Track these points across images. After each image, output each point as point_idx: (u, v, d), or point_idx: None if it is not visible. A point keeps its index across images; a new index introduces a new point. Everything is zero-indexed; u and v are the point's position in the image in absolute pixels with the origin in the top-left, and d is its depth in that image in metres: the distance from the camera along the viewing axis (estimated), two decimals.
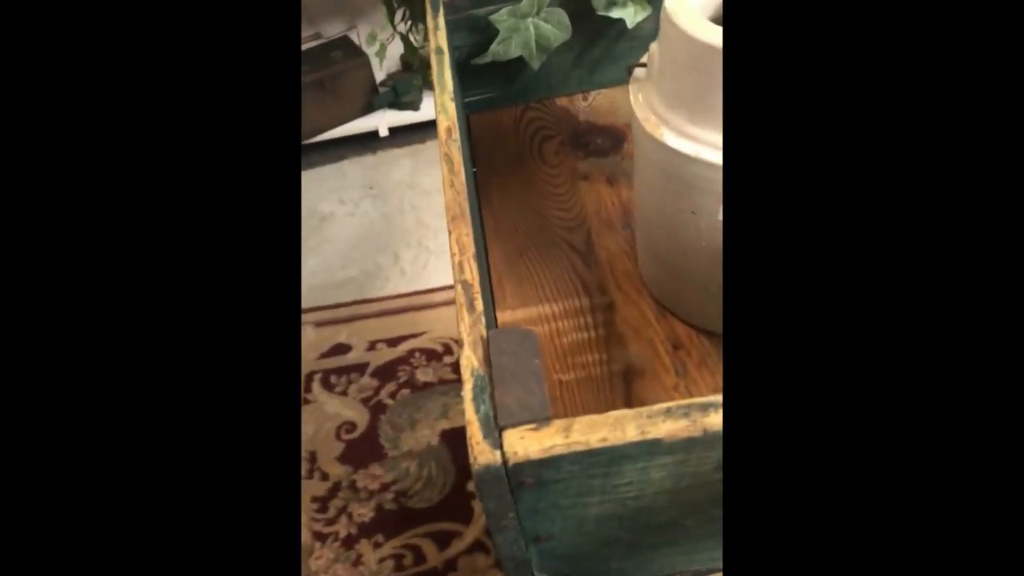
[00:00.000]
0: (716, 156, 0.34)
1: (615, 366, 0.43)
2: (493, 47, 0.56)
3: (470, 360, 0.31)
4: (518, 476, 0.28)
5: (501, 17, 0.54)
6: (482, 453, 0.28)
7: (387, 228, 1.59)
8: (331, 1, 1.66)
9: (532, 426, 0.28)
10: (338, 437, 1.21)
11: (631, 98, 0.39)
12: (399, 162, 1.74)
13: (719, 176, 0.35)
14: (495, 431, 0.28)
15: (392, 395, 1.21)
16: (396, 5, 0.83)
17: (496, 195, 0.56)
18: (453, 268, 0.36)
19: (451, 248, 0.37)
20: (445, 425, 1.13)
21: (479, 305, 0.33)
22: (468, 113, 0.64)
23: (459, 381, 0.31)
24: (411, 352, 1.28)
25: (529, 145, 0.60)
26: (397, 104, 1.64)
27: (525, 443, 0.28)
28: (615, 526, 0.33)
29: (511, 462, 0.28)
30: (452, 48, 0.59)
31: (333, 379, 1.32)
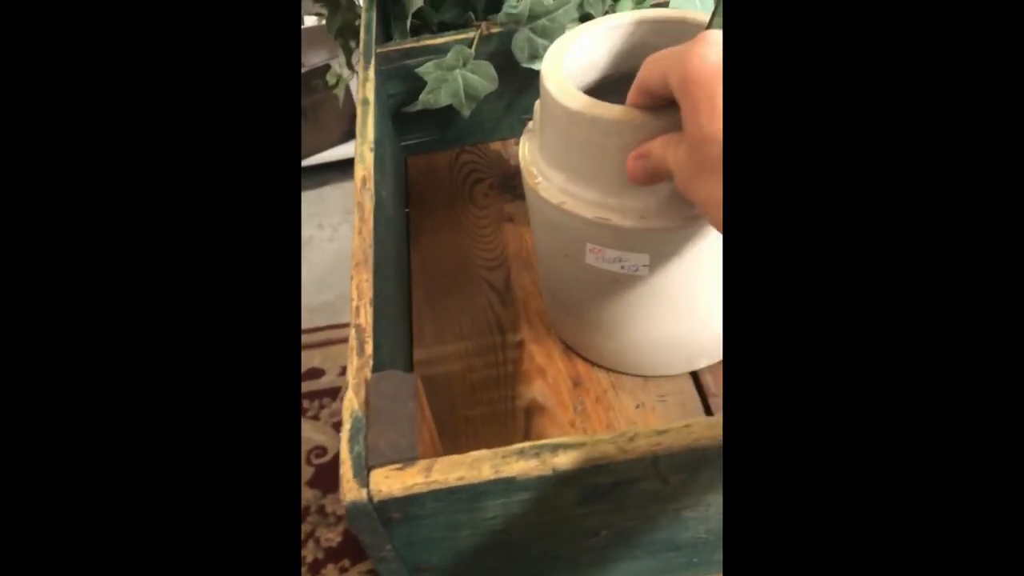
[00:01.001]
0: (580, 207, 0.38)
1: (519, 402, 0.46)
2: (423, 96, 0.59)
3: (351, 402, 0.34)
4: (385, 512, 0.31)
5: (427, 70, 0.58)
6: (350, 491, 0.30)
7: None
8: (314, 31, 1.70)
9: (398, 466, 0.31)
10: (308, 461, 1.23)
11: (520, 150, 0.42)
12: None
13: (585, 226, 0.38)
14: (364, 470, 0.31)
15: (335, 426, 1.23)
16: (352, 46, 0.87)
17: (426, 235, 0.59)
18: (351, 312, 0.38)
19: (351, 293, 0.39)
20: None
21: (368, 349, 0.36)
22: (406, 155, 0.67)
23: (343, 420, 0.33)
24: None
25: (461, 187, 0.63)
26: None
27: (389, 482, 0.30)
28: (492, 556, 0.35)
29: (376, 499, 0.30)
30: (387, 96, 0.62)
31: (305, 403, 1.34)
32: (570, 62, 0.40)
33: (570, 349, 0.48)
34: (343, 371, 1.32)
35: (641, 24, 0.42)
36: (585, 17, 0.58)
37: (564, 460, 0.30)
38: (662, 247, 0.38)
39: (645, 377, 0.46)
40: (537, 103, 0.41)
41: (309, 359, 1.39)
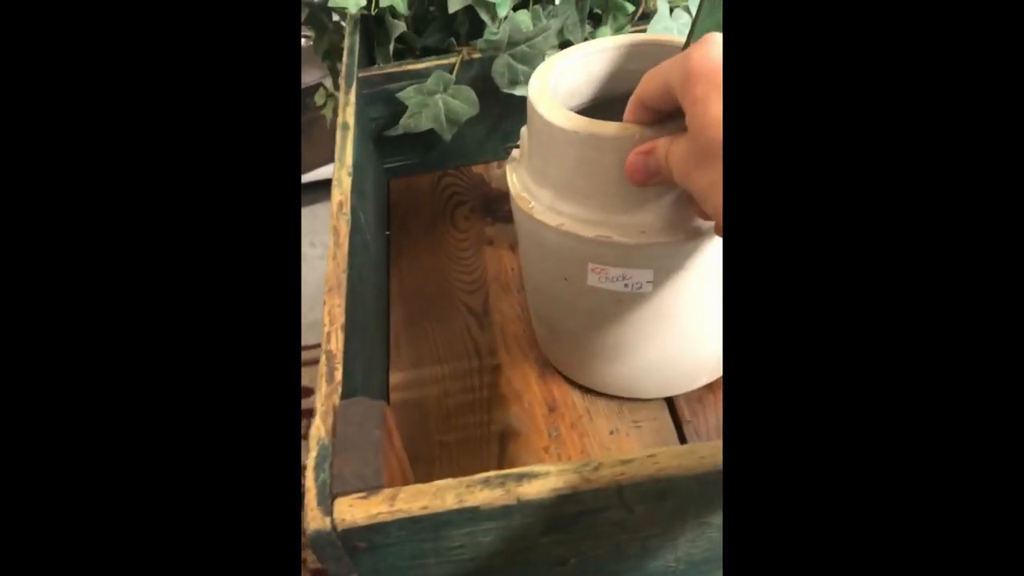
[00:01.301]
0: (579, 227, 0.38)
1: (494, 427, 0.46)
2: (404, 120, 0.59)
3: (318, 430, 0.33)
4: (350, 541, 0.31)
5: (408, 94, 0.58)
6: (314, 519, 0.30)
7: None
8: (308, 49, 1.72)
9: (362, 494, 0.31)
10: None
11: (507, 177, 0.42)
12: None
13: (585, 246, 0.38)
14: (328, 499, 0.31)
15: (304, 436, 1.22)
16: (339, 69, 0.88)
17: (406, 258, 0.59)
18: (323, 337, 0.38)
19: (323, 318, 0.39)
20: None
21: (338, 376, 0.36)
22: (389, 178, 0.67)
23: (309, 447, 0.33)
24: None
25: (443, 210, 0.63)
26: None
27: (353, 510, 0.30)
28: None
29: (340, 528, 0.30)
30: (368, 120, 0.62)
31: None
32: (555, 88, 0.41)
33: (548, 373, 0.48)
34: None
35: (620, 49, 0.42)
36: (564, 43, 0.59)
37: (529, 490, 0.30)
38: (666, 262, 0.38)
39: (620, 402, 0.46)
40: (524, 129, 0.41)
41: None
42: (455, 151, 0.65)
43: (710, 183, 0.29)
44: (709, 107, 0.28)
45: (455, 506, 0.30)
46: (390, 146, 0.64)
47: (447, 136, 0.61)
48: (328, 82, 1.50)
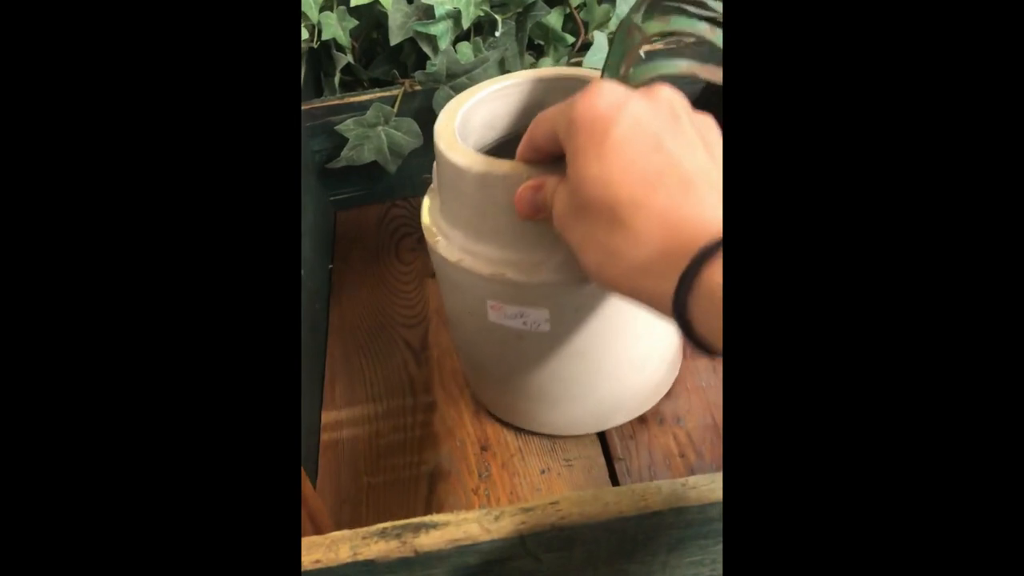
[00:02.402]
0: (477, 264, 0.37)
1: (424, 468, 0.45)
2: (345, 152, 0.59)
3: None
4: None
5: (348, 127, 0.58)
6: None
7: None
8: None
9: None
10: None
11: (422, 209, 0.42)
12: None
13: (483, 282, 0.37)
14: None
15: None
16: None
17: (347, 292, 0.58)
18: None
19: None
20: None
21: None
22: (336, 210, 0.67)
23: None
24: None
25: (388, 242, 0.62)
26: None
27: None
28: None
29: None
30: (312, 152, 0.62)
31: None
32: (467, 122, 0.40)
33: (482, 410, 0.47)
34: None
35: (538, 83, 0.42)
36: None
37: (427, 541, 0.29)
38: (562, 301, 0.37)
39: (553, 440, 0.45)
40: (435, 163, 0.41)
41: None
42: (402, 182, 0.65)
43: (582, 235, 0.28)
44: (583, 161, 0.28)
45: (349, 559, 0.29)
46: (336, 178, 0.64)
47: (392, 168, 0.60)
48: None
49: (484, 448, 0.45)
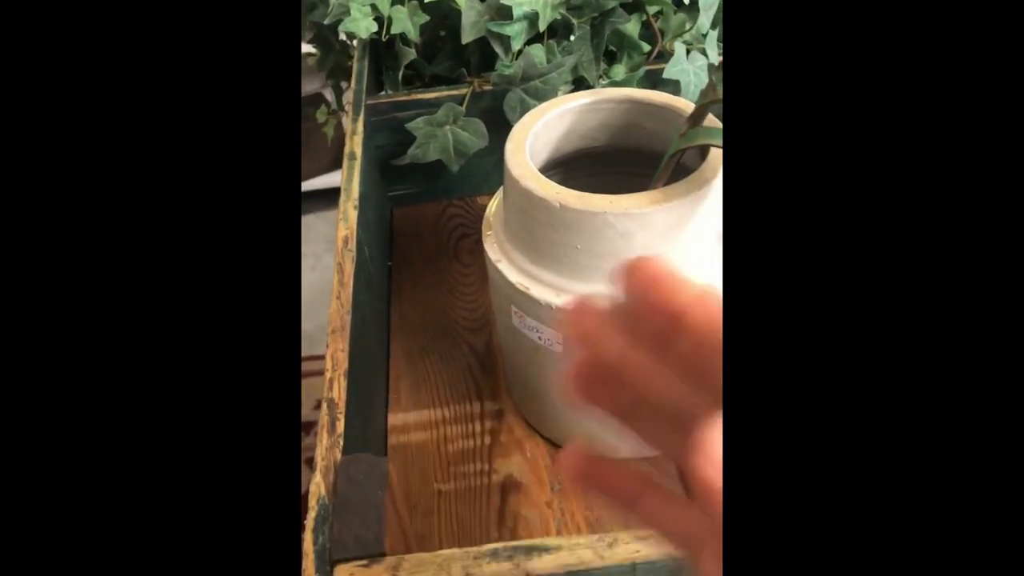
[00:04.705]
0: (512, 271, 0.39)
1: (495, 477, 0.44)
2: (411, 150, 0.58)
3: (319, 487, 0.32)
4: None
5: (417, 125, 0.57)
6: None
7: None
8: (307, 58, 1.71)
9: (363, 562, 0.29)
10: None
11: (484, 219, 0.43)
12: None
13: (510, 288, 0.39)
14: (327, 565, 0.29)
15: (307, 455, 1.20)
16: (344, 87, 0.86)
17: (407, 290, 0.58)
18: (324, 383, 0.37)
19: (326, 363, 0.38)
20: None
21: (340, 427, 0.34)
22: (392, 207, 0.66)
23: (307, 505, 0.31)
24: None
25: (447, 242, 0.62)
26: None
27: None
28: None
29: None
30: (375, 147, 0.61)
31: None
32: (545, 132, 0.42)
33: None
34: (317, 404, 1.28)
35: (629, 103, 0.43)
36: (578, 80, 0.58)
37: (539, 564, 0.29)
38: None
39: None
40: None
41: None
42: (460, 181, 0.64)
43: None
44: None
45: None
46: (395, 174, 0.63)
47: (455, 167, 0.60)
48: (329, 94, 1.49)
49: (555, 460, 0.45)
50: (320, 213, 1.92)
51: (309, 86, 1.94)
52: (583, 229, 0.35)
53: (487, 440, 0.46)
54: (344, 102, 0.89)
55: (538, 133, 0.41)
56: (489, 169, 0.63)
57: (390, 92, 0.62)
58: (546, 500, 0.43)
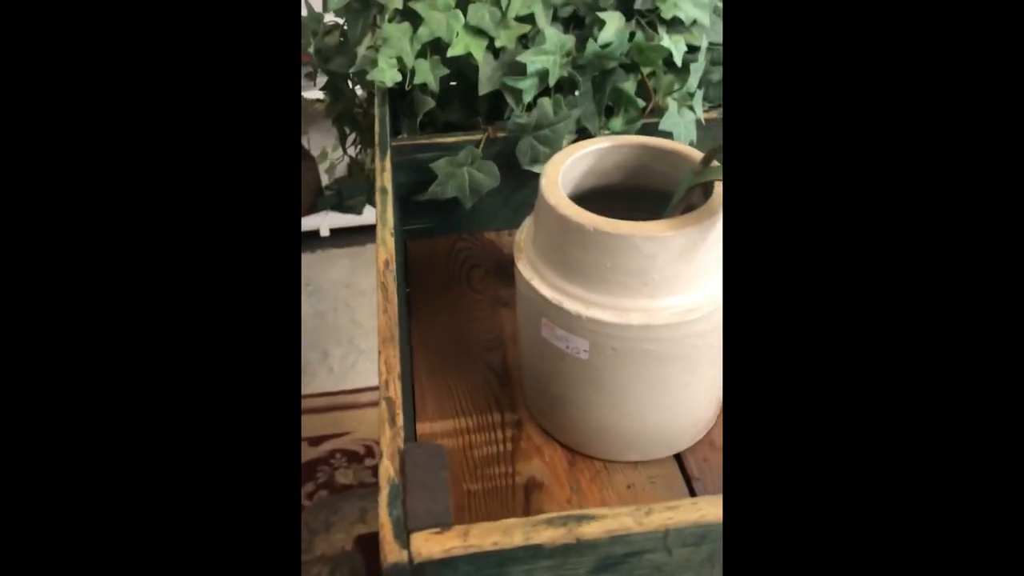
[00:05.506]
0: (544, 287, 0.45)
1: (519, 479, 0.49)
2: (433, 188, 0.64)
3: (387, 469, 0.36)
4: (421, 574, 0.33)
5: (440, 165, 0.63)
6: (392, 553, 0.33)
7: (319, 325, 1.61)
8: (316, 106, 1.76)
9: (436, 530, 0.33)
10: None
11: (515, 244, 0.49)
12: (337, 262, 1.80)
13: (542, 302, 0.45)
14: (404, 533, 0.33)
15: (309, 496, 1.20)
16: (347, 131, 0.92)
17: (426, 315, 0.63)
18: (380, 385, 0.41)
19: (380, 367, 0.42)
20: (361, 530, 1.11)
21: (399, 420, 0.39)
22: (406, 239, 0.71)
23: (379, 486, 0.36)
24: (332, 452, 1.28)
25: (459, 272, 0.67)
26: (340, 207, 1.72)
27: (429, 545, 0.33)
28: None
29: (416, 561, 0.33)
30: (396, 185, 0.67)
31: None
32: (572, 168, 0.49)
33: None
34: (315, 441, 1.26)
35: (642, 149, 0.49)
36: (582, 130, 0.65)
37: (587, 530, 0.34)
38: (600, 338, 0.44)
39: (635, 464, 0.50)
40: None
41: None
42: (470, 217, 0.70)
43: None
44: None
45: (522, 543, 0.33)
46: (411, 210, 0.69)
47: (468, 204, 0.66)
48: (304, 139, 1.53)
49: (571, 464, 0.50)
50: (307, 253, 1.94)
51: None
52: (612, 250, 0.41)
53: (509, 446, 0.51)
54: (347, 145, 0.95)
55: (566, 171, 0.47)
56: (496, 207, 0.70)
57: (406, 136, 0.69)
58: (567, 498, 0.48)
